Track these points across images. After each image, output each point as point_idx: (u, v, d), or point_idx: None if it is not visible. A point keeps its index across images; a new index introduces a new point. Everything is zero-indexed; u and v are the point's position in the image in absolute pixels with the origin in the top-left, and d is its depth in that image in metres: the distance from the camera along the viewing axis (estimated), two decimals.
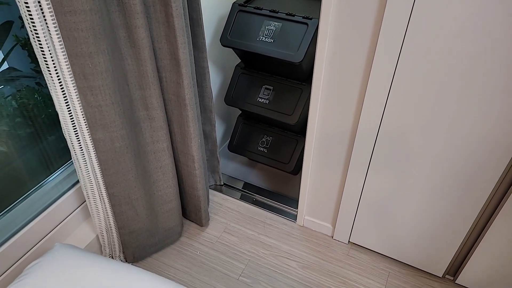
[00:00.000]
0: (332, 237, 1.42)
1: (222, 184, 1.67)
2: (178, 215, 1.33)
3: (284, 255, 1.36)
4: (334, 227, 1.39)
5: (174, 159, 1.27)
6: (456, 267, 1.22)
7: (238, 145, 1.65)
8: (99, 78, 0.87)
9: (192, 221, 1.47)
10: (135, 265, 1.31)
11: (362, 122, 1.06)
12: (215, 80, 1.64)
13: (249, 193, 1.63)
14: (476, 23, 0.80)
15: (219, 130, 1.80)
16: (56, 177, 1.22)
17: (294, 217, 1.50)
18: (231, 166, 1.78)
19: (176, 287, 0.78)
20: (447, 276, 1.26)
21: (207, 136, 1.47)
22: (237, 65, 1.54)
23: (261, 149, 1.61)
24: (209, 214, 1.51)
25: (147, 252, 1.33)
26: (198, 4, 1.12)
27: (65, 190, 1.21)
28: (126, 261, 1.30)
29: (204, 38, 1.20)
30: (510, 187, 0.97)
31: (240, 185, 1.67)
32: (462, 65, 0.86)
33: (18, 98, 1.18)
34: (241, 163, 1.80)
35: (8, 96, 1.15)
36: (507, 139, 0.90)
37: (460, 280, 1.22)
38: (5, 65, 1.14)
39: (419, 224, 1.17)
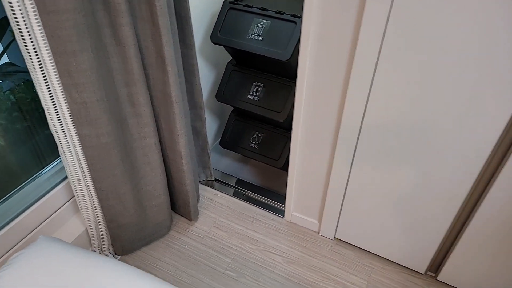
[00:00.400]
0: (319, 233, 1.44)
1: (214, 179, 1.69)
2: (167, 210, 1.36)
3: (270, 250, 1.38)
4: (320, 223, 1.41)
5: (163, 154, 1.29)
6: (437, 264, 1.24)
7: (230, 141, 1.67)
8: (84, 75, 0.89)
9: (182, 216, 1.50)
10: (124, 258, 1.35)
11: (345, 118, 1.07)
12: (209, 77, 1.65)
13: (240, 188, 1.65)
14: (453, 29, 0.81)
15: (213, 126, 1.82)
16: (49, 171, 1.24)
17: (282, 213, 1.52)
18: (224, 162, 1.80)
19: (152, 280, 0.80)
20: (429, 272, 1.29)
21: (197, 132, 1.49)
22: (228, 62, 1.56)
23: (252, 145, 1.63)
24: (200, 209, 1.54)
25: (136, 245, 1.35)
26: (186, 2, 1.14)
27: (57, 183, 1.24)
28: (116, 253, 1.33)
29: (192, 36, 1.21)
30: (487, 186, 0.99)
31: (231, 181, 1.70)
32: (439, 63, 0.87)
33: (17, 93, 1.21)
34: (234, 159, 1.82)
35: (7, 90, 1.18)
36: (483, 137, 0.92)
37: (441, 277, 1.24)
38: (4, 60, 1.16)
39: (402, 221, 1.19)
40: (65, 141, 0.98)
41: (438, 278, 1.25)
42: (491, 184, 0.96)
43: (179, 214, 1.51)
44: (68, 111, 0.94)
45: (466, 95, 0.88)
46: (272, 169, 1.77)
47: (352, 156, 1.14)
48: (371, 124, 1.05)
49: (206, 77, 1.64)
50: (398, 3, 0.83)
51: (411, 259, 1.26)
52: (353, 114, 1.05)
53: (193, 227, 1.47)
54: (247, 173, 1.76)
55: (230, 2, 1.38)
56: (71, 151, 1.01)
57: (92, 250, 1.30)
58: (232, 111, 1.69)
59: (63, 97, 0.91)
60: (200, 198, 1.59)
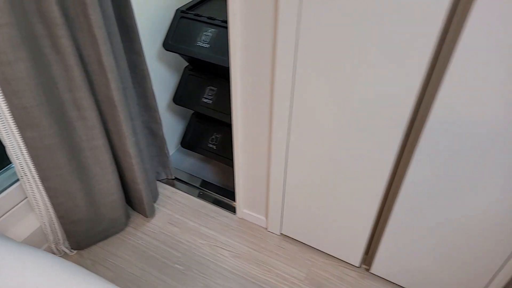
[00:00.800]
0: (267, 229, 1.52)
1: (174, 178, 1.77)
2: (121, 207, 1.44)
3: (220, 245, 1.46)
4: (267, 220, 1.49)
5: (115, 155, 1.37)
6: (370, 257, 1.32)
7: (190, 142, 1.75)
8: (22, 83, 0.97)
9: (139, 212, 1.58)
10: (80, 252, 1.43)
11: (275, 120, 1.16)
12: (170, 81, 1.74)
13: (199, 187, 1.73)
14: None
15: (178, 127, 1.90)
16: (11, 169, 1.33)
17: (235, 210, 1.61)
18: (188, 162, 1.89)
19: (85, 275, 0.88)
20: (363, 266, 1.37)
21: (154, 133, 1.57)
22: (185, 67, 1.64)
23: (211, 145, 1.71)
24: (157, 206, 1.62)
25: (91, 241, 1.44)
26: (131, 12, 1.22)
27: (14, 181, 1.32)
28: (72, 248, 1.41)
29: (140, 43, 1.29)
30: (402, 177, 1.07)
31: (192, 180, 1.78)
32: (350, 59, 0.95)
33: None
34: (198, 159, 1.90)
35: None
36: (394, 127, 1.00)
37: (373, 269, 1.32)
38: None
39: (335, 215, 1.27)
40: (10, 143, 1.07)
41: (371, 271, 1.33)
42: (403, 173, 1.04)
43: (136, 211, 1.59)
44: (11, 115, 1.02)
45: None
46: (231, 169, 1.86)
47: (284, 155, 1.22)
48: (298, 121, 1.13)
49: (168, 81, 1.72)
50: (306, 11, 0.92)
51: (346, 252, 1.35)
52: (281, 116, 1.13)
53: (149, 224, 1.55)
54: (208, 172, 1.84)
55: (181, 12, 1.46)
56: (17, 153, 1.09)
57: (48, 245, 1.38)
58: (193, 113, 1.77)
59: (4, 103, 0.99)
60: (159, 196, 1.68)
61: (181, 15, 1.46)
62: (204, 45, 1.41)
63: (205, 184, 1.76)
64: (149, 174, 1.53)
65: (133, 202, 1.55)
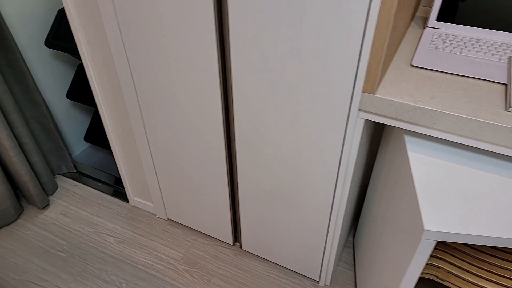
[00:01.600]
0: (156, 215, 1.60)
1: (75, 171, 1.83)
2: (8, 199, 1.49)
3: (107, 232, 1.53)
4: (154, 206, 1.57)
5: None
6: (240, 234, 1.41)
7: (93, 136, 1.81)
8: None
9: (32, 204, 1.63)
10: None
11: (129, 109, 1.23)
12: (68, 77, 1.79)
13: (99, 179, 1.79)
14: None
15: (87, 123, 1.95)
16: None
17: (127, 199, 1.67)
18: (98, 156, 1.94)
19: None
20: (237, 243, 1.46)
21: (46, 128, 1.62)
22: (79, 64, 1.70)
23: None
24: (54, 199, 1.67)
25: None
26: None
27: None
28: None
29: (12, 41, 1.35)
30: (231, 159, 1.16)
31: (94, 173, 1.83)
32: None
33: None
34: (108, 153, 1.96)
35: None
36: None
37: (244, 246, 1.41)
38: None
39: (202, 195, 1.36)
40: None
41: (243, 248, 1.42)
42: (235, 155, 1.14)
43: (30, 204, 1.64)
44: None
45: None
46: None
47: (144, 132, 1.30)
48: (149, 111, 1.21)
49: (67, 78, 1.77)
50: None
51: (220, 230, 1.43)
52: (130, 100, 1.21)
53: (42, 215, 1.60)
54: (113, 165, 1.90)
55: (62, 11, 1.52)
56: None
57: None
58: (96, 109, 1.83)
59: None
60: (58, 189, 1.73)
61: (62, 14, 1.52)
62: None
63: (107, 176, 1.82)
64: (40, 167, 1.58)
65: (25, 195, 1.60)
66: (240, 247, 1.44)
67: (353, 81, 0.80)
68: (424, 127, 0.79)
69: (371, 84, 0.79)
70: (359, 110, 0.85)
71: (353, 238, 1.49)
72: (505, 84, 0.82)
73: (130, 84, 1.16)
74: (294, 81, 0.87)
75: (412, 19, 1.11)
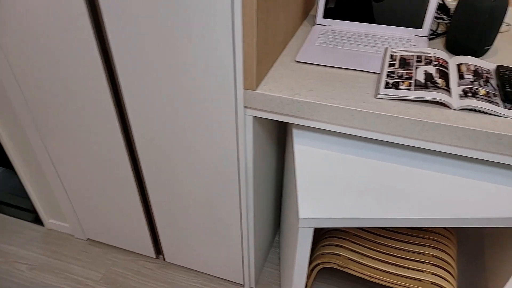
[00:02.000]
0: (74, 236, 1.51)
1: None
2: None
3: (18, 260, 1.42)
4: (70, 226, 1.48)
5: None
6: (160, 246, 1.37)
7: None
8: None
9: None
10: None
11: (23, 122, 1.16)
12: None
13: (12, 204, 1.66)
14: None
15: None
16: None
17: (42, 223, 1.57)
18: (12, 179, 1.80)
19: None
20: (160, 256, 1.41)
21: None
22: None
23: None
24: None
25: None
26: None
27: None
28: None
29: None
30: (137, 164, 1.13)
31: (6, 198, 1.70)
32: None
33: None
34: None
35: None
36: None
37: (167, 258, 1.37)
38: None
39: (117, 211, 1.30)
40: None
41: (167, 259, 1.38)
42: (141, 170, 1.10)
43: None
44: None
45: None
46: None
47: (49, 157, 1.23)
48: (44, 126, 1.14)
49: None
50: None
51: (141, 245, 1.38)
52: (22, 113, 1.14)
53: None
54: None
55: None
56: None
57: None
58: None
59: None
60: None
61: None
62: None
63: (23, 200, 1.70)
64: None
65: None
66: (164, 259, 1.40)
67: (233, 79, 0.81)
68: (305, 119, 0.81)
69: (251, 81, 0.80)
70: (246, 107, 0.85)
71: (279, 238, 1.50)
72: (378, 73, 0.86)
73: (20, 97, 1.09)
74: (181, 86, 0.86)
75: (305, 17, 1.14)
